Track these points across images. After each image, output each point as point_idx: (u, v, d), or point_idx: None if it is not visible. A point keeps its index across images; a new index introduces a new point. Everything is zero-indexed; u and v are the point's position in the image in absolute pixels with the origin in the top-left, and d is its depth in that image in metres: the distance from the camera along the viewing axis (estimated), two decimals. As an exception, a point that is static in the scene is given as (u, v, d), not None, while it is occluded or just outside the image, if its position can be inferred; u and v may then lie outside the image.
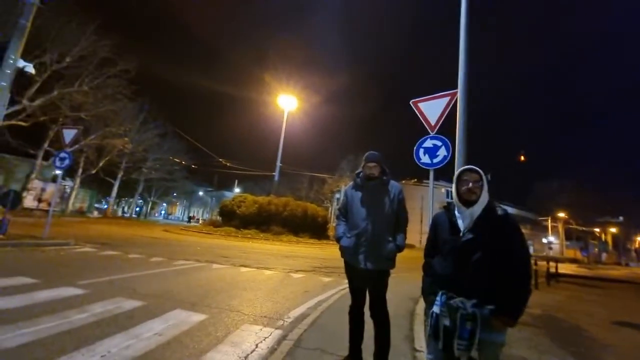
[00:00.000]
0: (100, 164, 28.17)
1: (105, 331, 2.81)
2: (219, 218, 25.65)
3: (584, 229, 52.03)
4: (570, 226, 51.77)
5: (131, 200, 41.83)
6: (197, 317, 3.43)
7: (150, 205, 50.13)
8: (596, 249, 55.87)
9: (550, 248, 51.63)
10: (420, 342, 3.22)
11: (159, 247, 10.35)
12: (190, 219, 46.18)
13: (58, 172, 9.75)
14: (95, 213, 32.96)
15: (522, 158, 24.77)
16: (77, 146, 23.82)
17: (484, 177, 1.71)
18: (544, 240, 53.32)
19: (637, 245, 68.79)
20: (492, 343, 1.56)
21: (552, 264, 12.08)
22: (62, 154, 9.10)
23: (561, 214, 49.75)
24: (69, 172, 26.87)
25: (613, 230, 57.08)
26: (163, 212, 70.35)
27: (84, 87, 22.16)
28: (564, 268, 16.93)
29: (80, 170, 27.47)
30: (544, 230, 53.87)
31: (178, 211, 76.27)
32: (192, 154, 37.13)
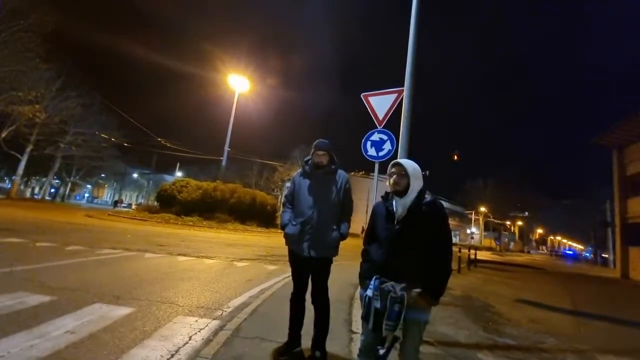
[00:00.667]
0: (3, 135, 23.53)
1: (3, 329, 2.39)
2: (156, 203, 23.53)
3: (499, 221, 60.43)
4: (489, 219, 59.66)
5: (44, 179, 35.89)
6: (121, 311, 3.09)
7: (69, 187, 43.68)
8: (507, 239, 65.57)
9: (472, 238, 59.03)
10: (357, 325, 3.38)
11: (78, 234, 9.09)
12: (116, 203, 40.59)
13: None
14: (-4, 193, 27.66)
15: (456, 157, 27.49)
16: (-30, 111, 19.56)
17: (408, 170, 1.81)
18: (468, 231, 60.67)
19: (536, 236, 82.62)
20: (417, 322, 1.70)
21: (472, 251, 13.78)
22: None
23: (482, 209, 56.93)
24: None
25: (520, 223, 67.48)
26: (87, 195, 62.15)
27: (-16, 41, 18.16)
28: (482, 255, 19.53)
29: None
30: (469, 222, 61.21)
31: (106, 194, 68.19)
32: (125, 130, 32.84)
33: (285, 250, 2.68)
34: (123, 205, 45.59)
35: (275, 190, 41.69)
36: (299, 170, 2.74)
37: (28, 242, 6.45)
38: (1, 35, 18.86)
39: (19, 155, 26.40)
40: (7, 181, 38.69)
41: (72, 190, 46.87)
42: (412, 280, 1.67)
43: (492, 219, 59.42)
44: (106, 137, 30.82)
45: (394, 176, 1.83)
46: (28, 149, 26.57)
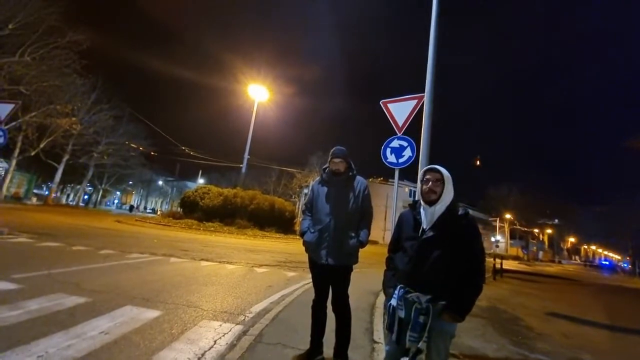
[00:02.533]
0: (42, 145, 25.28)
1: (42, 330, 2.54)
2: (179, 209, 24.37)
3: (526, 229, 57.55)
4: (515, 227, 56.95)
5: (78, 187, 38.14)
6: (150, 314, 3.22)
7: (100, 193, 46.19)
8: (535, 248, 62.27)
9: (497, 246, 56.47)
10: (379, 334, 3.33)
11: (109, 238, 9.57)
12: (131, 207, 42.40)
13: (-11, 151, 8.59)
14: (34, 200, 29.64)
15: (478, 163, 26.67)
16: (14, 123, 21.20)
17: (445, 177, 1.73)
18: (492, 239, 58.15)
19: (568, 245, 77.95)
20: (443, 333, 1.63)
21: (498, 260, 13.20)
22: (-5, 131, 8.03)
23: (508, 216, 54.49)
24: (4, 153, 23.85)
25: (549, 231, 63.93)
26: (116, 201, 65.42)
27: (26, 58, 19.74)
28: (508, 264, 18.68)
29: (17, 151, 24.44)
30: (493, 229, 58.72)
31: (134, 200, 71.40)
32: (151, 140, 34.81)
33: (304, 256, 2.71)
34: (143, 210, 47.43)
35: (293, 197, 42.05)
36: (318, 178, 2.77)
37: (65, 246, 6.88)
38: (39, 52, 20.45)
39: (55, 164, 28.27)
40: (44, 188, 41.38)
41: (103, 196, 49.48)
42: (439, 292, 1.61)
43: (518, 227, 56.71)
44: (135, 146, 32.55)
45: (430, 183, 1.72)
46: (65, 159, 28.42)
